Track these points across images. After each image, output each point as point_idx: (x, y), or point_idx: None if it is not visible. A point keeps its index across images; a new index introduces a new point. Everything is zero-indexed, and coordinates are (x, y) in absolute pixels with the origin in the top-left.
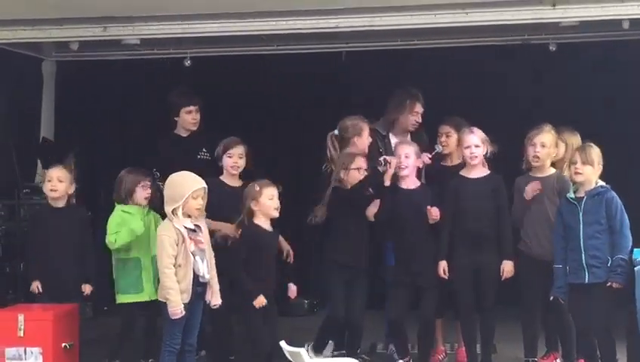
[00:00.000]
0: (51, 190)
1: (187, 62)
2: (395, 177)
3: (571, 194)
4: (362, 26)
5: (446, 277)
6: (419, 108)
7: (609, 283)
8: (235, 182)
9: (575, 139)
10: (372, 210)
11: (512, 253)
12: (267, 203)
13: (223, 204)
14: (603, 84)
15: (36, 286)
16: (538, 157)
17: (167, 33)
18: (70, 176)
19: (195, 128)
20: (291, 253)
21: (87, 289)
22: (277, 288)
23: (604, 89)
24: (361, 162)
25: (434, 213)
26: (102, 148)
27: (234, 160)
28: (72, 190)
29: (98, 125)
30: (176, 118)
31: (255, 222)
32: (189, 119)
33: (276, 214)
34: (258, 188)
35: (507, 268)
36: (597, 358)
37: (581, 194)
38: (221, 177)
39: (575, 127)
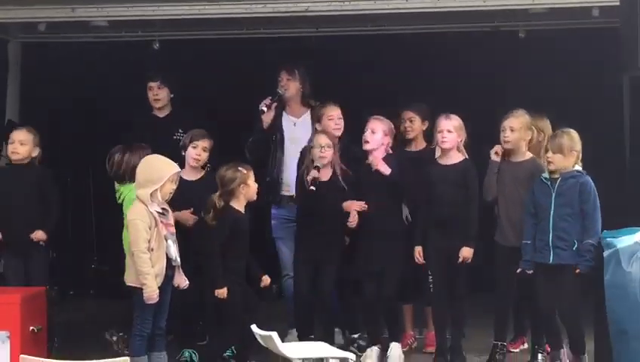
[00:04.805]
0: (12, 152)
1: (156, 46)
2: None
3: (546, 175)
4: (334, 10)
5: (423, 262)
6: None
7: (577, 270)
8: (192, 176)
9: (544, 124)
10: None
11: (473, 240)
12: (254, 185)
13: (177, 197)
14: (572, 71)
15: None
16: (507, 142)
17: (136, 15)
18: (34, 139)
19: (157, 106)
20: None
21: (37, 235)
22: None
23: (572, 77)
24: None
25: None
26: (67, 130)
27: (197, 151)
28: (35, 153)
29: (64, 107)
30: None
31: (234, 206)
32: (150, 95)
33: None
34: (246, 171)
35: (465, 254)
36: (561, 344)
37: (556, 175)
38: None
39: (544, 114)
